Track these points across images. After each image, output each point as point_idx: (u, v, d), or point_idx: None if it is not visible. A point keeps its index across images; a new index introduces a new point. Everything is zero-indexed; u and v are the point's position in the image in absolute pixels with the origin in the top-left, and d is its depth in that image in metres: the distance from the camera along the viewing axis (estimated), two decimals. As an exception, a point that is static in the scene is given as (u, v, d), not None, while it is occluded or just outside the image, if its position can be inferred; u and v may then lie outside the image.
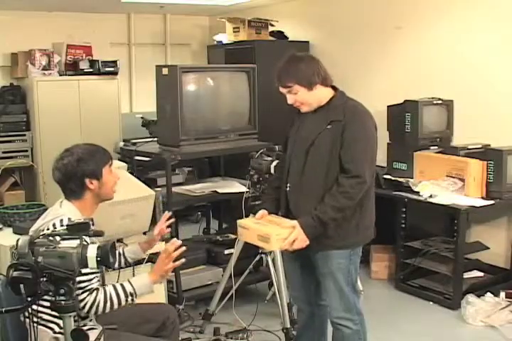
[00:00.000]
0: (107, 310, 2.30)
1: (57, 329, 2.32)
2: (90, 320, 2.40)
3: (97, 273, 2.32)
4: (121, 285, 2.34)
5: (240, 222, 2.85)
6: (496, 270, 4.26)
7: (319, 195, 2.65)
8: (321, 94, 2.71)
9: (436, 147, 4.42)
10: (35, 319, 2.13)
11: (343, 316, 2.80)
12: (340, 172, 2.63)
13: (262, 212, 2.84)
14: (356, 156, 2.61)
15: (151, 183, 3.76)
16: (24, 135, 5.41)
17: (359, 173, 2.60)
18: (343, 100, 2.73)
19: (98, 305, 2.27)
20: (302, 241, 2.62)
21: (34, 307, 2.09)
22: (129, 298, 2.32)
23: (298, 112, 2.82)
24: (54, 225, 2.29)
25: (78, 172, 2.39)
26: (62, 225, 2.27)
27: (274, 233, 2.63)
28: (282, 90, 2.72)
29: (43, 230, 2.30)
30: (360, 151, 2.63)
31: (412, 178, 4.40)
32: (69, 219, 2.28)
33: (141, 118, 4.93)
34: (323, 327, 3.07)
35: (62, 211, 2.38)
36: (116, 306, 2.31)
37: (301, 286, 2.99)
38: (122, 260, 2.73)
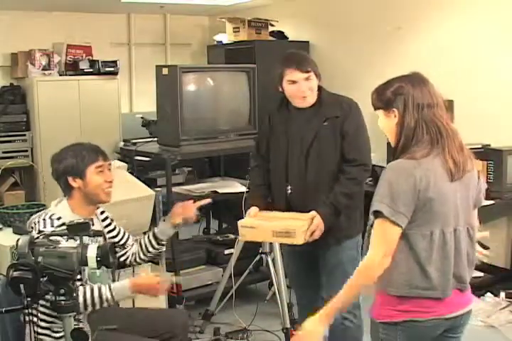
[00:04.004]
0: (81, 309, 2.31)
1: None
2: (81, 322, 2.39)
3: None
4: (99, 289, 2.35)
5: (243, 222, 2.75)
6: (495, 270, 4.26)
7: (328, 190, 2.68)
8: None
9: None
10: (34, 319, 2.15)
11: (347, 310, 2.80)
12: (344, 163, 2.67)
13: (255, 209, 2.80)
14: (361, 146, 2.71)
15: (151, 183, 3.76)
16: (24, 135, 5.41)
17: (365, 161, 2.70)
18: (333, 97, 2.78)
19: None
20: (321, 230, 2.63)
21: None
22: (105, 303, 2.34)
23: (277, 110, 2.83)
24: (39, 218, 2.40)
25: (58, 171, 2.48)
26: (44, 219, 2.38)
27: (299, 225, 2.58)
28: (299, 76, 2.67)
29: (33, 223, 2.40)
30: (363, 141, 2.73)
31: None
32: (53, 214, 2.39)
33: (141, 118, 4.92)
34: None
35: (52, 207, 2.48)
36: (89, 307, 2.32)
37: (307, 283, 2.98)
38: (154, 243, 2.73)
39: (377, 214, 1.90)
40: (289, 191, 2.76)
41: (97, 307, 2.32)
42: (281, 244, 3.26)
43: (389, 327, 1.97)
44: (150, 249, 2.73)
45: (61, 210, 2.44)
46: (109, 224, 2.67)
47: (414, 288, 1.92)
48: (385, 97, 1.99)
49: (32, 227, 2.41)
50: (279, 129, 2.81)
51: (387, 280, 1.96)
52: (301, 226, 2.58)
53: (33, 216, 2.52)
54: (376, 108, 2.05)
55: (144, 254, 2.75)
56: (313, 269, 2.89)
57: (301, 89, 2.69)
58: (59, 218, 2.38)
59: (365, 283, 1.96)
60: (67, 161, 2.45)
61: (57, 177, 2.50)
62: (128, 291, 2.37)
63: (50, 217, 2.38)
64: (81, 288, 2.32)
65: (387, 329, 1.97)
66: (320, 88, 2.76)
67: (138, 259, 2.77)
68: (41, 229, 2.33)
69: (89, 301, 2.30)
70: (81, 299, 2.29)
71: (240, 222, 2.75)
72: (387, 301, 1.97)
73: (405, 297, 1.93)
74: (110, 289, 2.35)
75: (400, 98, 1.95)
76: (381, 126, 2.07)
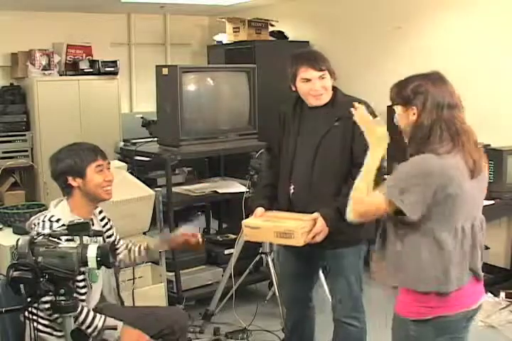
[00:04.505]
0: None
1: None
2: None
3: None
4: (94, 315, 2.36)
5: (247, 222, 2.70)
6: (495, 270, 4.26)
7: (332, 192, 2.63)
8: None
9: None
10: (34, 318, 2.15)
11: (351, 315, 2.79)
12: (353, 167, 2.60)
13: (261, 209, 2.76)
14: None
15: (151, 183, 3.76)
16: (24, 135, 5.41)
17: None
18: (347, 98, 2.73)
19: None
20: (324, 233, 2.58)
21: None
22: (90, 329, 2.34)
23: (291, 110, 2.79)
24: (38, 219, 2.40)
25: (57, 170, 2.47)
26: (43, 221, 2.38)
27: (299, 227, 2.53)
28: (314, 74, 2.63)
29: (33, 224, 2.41)
30: None
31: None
32: (52, 216, 2.38)
33: (141, 118, 4.93)
34: (312, 329, 3.06)
35: (52, 208, 2.48)
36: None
37: (297, 288, 2.95)
38: (144, 256, 2.73)
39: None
40: (292, 191, 2.73)
41: (82, 327, 2.33)
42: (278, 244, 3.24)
43: (420, 324, 2.00)
44: (138, 261, 2.76)
45: (60, 211, 2.44)
46: (106, 224, 2.68)
47: (439, 283, 1.97)
48: (405, 94, 2.01)
49: (31, 228, 2.41)
50: (291, 129, 2.77)
51: (414, 277, 2.00)
52: (302, 227, 2.54)
53: (33, 217, 2.51)
54: (394, 103, 2.07)
55: (131, 262, 2.77)
56: (304, 275, 2.89)
57: (314, 87, 2.64)
58: (58, 220, 2.37)
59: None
60: (66, 161, 2.45)
61: (56, 177, 2.50)
62: (117, 331, 2.39)
63: (49, 219, 2.38)
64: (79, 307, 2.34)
65: (419, 326, 2.00)
66: (335, 88, 2.73)
67: (122, 265, 2.79)
68: (40, 231, 2.33)
69: (80, 320, 2.32)
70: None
71: (244, 222, 2.70)
72: (417, 298, 2.00)
73: (433, 292, 1.97)
74: (104, 321, 2.38)
75: (419, 96, 1.98)
76: (397, 122, 2.10)
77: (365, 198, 2.01)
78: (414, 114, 1.99)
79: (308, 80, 2.64)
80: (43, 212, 2.50)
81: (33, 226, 2.40)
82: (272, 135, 2.94)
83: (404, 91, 2.01)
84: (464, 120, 2.03)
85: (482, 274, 2.08)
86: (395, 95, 2.05)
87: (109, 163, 2.58)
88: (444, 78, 2.05)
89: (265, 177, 2.95)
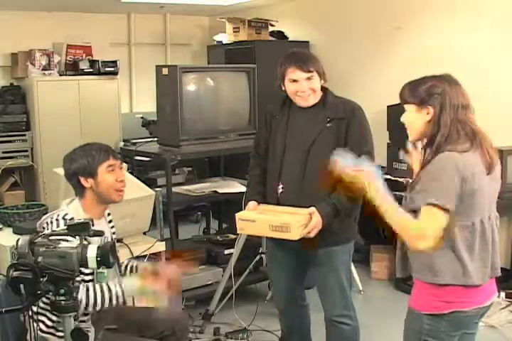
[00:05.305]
0: (89, 307, 2.28)
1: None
2: (84, 322, 2.38)
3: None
4: (108, 287, 2.33)
5: (241, 214, 2.65)
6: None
7: (324, 193, 2.62)
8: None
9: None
10: (40, 317, 2.14)
11: (342, 313, 2.79)
12: None
13: (254, 203, 2.74)
14: (366, 151, 2.63)
15: (151, 183, 3.76)
16: (24, 135, 5.42)
17: None
18: (337, 99, 2.74)
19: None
20: (319, 228, 2.57)
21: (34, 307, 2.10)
22: (114, 301, 2.29)
23: (279, 109, 2.79)
24: (51, 218, 2.37)
25: (70, 171, 2.46)
26: (57, 220, 2.34)
27: (295, 221, 2.50)
28: (301, 75, 2.63)
29: (46, 223, 2.37)
30: (369, 147, 2.69)
31: (412, 178, 4.39)
32: (66, 214, 2.35)
33: (141, 118, 4.93)
34: (308, 329, 3.06)
35: (64, 207, 2.46)
36: (98, 305, 2.28)
37: (287, 288, 2.94)
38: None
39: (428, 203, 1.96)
40: (280, 190, 2.72)
41: (106, 304, 2.29)
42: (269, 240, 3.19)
43: (435, 319, 2.03)
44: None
45: (74, 210, 2.42)
46: (113, 227, 2.67)
47: (456, 276, 2.00)
48: (419, 94, 2.03)
49: (44, 228, 2.37)
50: (279, 128, 2.77)
51: (431, 271, 2.03)
52: (298, 221, 2.51)
53: (44, 216, 2.49)
54: (406, 102, 2.09)
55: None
56: (295, 274, 2.88)
57: (301, 88, 2.65)
58: (71, 219, 2.34)
59: (403, 237, 2.03)
60: (78, 162, 2.43)
61: (68, 178, 2.48)
62: (136, 285, 2.34)
63: (63, 218, 2.35)
64: (91, 287, 2.30)
65: (433, 320, 2.03)
66: (325, 89, 2.72)
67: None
68: (55, 229, 2.31)
69: (100, 300, 2.28)
70: (92, 299, 2.27)
71: (238, 215, 2.65)
72: (434, 292, 2.03)
73: (450, 286, 1.99)
74: (121, 286, 2.32)
75: (436, 97, 2.01)
76: (406, 121, 2.12)
77: (408, 224, 1.99)
78: (428, 113, 2.01)
79: (295, 81, 2.65)
80: (55, 211, 2.46)
81: (45, 225, 2.37)
82: (258, 135, 2.96)
83: (419, 92, 2.03)
84: (475, 121, 2.05)
85: (499, 272, 2.11)
86: (408, 95, 2.07)
87: (121, 163, 2.57)
88: (456, 80, 2.07)
89: (255, 175, 2.90)
